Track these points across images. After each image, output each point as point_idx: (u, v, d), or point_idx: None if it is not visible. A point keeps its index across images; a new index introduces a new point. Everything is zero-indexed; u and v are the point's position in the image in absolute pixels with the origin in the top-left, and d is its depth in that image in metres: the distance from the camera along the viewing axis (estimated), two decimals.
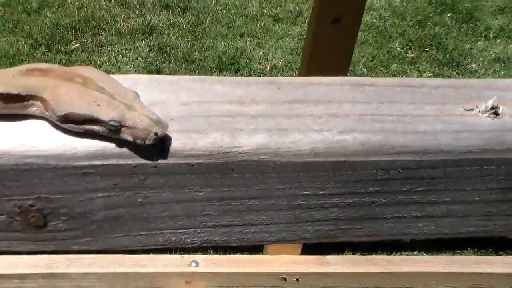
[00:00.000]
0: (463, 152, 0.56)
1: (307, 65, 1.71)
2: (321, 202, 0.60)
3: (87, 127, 0.50)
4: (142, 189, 0.55)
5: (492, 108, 0.59)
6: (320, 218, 0.61)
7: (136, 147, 0.53)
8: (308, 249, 2.13)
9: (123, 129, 0.50)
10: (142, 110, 0.51)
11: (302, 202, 0.59)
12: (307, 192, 0.58)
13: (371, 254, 2.20)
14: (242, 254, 2.16)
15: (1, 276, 1.86)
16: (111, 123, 0.49)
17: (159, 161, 0.53)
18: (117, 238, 0.60)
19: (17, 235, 0.59)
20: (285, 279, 2.07)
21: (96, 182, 0.55)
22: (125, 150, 0.53)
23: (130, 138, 0.50)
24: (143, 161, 0.53)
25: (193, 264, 2.04)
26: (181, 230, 0.60)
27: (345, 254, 2.22)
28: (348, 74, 1.80)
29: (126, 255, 2.03)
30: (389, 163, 0.56)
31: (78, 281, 1.95)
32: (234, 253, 2.19)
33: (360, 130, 0.56)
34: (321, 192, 0.58)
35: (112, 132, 0.50)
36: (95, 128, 0.50)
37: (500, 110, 0.59)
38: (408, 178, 0.58)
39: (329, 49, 1.66)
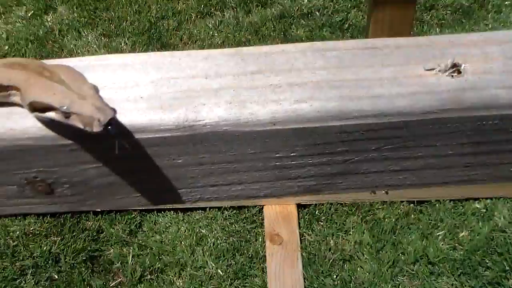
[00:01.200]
0: (421, 113, 0.58)
1: None
2: (295, 162, 0.63)
3: (48, 114, 0.56)
4: (127, 160, 0.61)
5: (453, 66, 0.58)
6: (299, 176, 0.65)
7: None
8: None
9: (73, 116, 0.55)
10: (92, 100, 0.55)
11: (277, 163, 0.63)
12: (278, 155, 0.62)
13: None
14: None
15: None
16: (62, 109, 0.55)
17: (135, 137, 0.59)
18: (118, 199, 0.67)
19: (31, 201, 0.68)
20: (374, 192, 2.09)
21: (84, 156, 0.61)
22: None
23: (80, 125, 0.55)
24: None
25: None
26: (173, 191, 0.66)
27: None
28: None
29: None
30: (348, 126, 0.59)
31: None
32: None
33: (316, 98, 0.58)
34: (291, 154, 0.62)
35: (67, 119, 0.55)
36: (54, 116, 0.56)
37: (462, 68, 0.59)
38: (373, 138, 0.60)
39: None
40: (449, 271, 2.18)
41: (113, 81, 0.62)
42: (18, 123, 0.59)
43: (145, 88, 0.61)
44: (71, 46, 2.22)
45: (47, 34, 2.25)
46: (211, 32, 1.80)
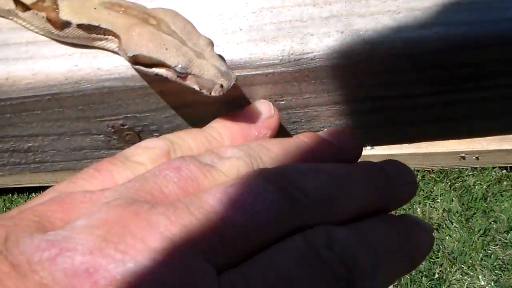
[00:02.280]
0: None
1: None
2: (412, 103, 0.56)
3: (156, 70, 0.50)
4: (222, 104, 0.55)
5: None
6: (415, 119, 0.58)
7: None
8: None
9: (189, 76, 0.49)
10: (212, 60, 0.49)
11: (391, 104, 0.56)
12: (393, 93, 0.55)
13: None
14: None
15: None
16: (177, 69, 0.49)
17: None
18: None
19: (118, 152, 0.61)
20: (463, 157, 2.00)
21: (175, 99, 0.55)
22: None
23: (196, 87, 0.49)
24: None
25: (368, 147, 2.02)
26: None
27: None
28: None
29: None
30: (480, 56, 0.51)
31: None
32: None
33: (441, 23, 0.50)
34: (408, 92, 0.55)
35: (180, 78, 0.50)
36: (164, 72, 0.50)
37: None
38: (507, 70, 0.52)
39: None
40: None
41: (209, 13, 0.55)
42: (104, 62, 0.54)
43: (245, 19, 0.54)
44: None
45: None
46: None
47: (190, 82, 0.50)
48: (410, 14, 0.52)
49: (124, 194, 0.40)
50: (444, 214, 2.00)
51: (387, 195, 0.47)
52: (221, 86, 0.49)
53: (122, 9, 0.53)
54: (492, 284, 1.84)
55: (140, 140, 0.60)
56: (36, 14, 0.54)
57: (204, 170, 0.43)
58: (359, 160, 0.54)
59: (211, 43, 0.51)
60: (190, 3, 0.56)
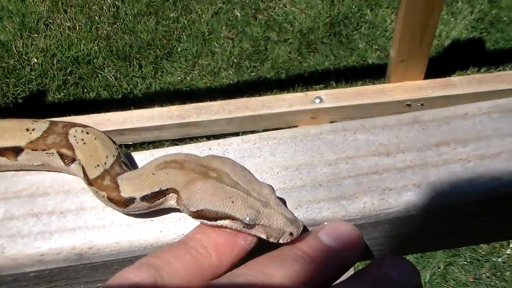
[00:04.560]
0: None
1: None
2: (475, 227, 0.60)
3: (221, 222, 0.51)
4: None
5: None
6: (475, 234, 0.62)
7: None
8: (431, 73, 2.09)
9: (257, 226, 0.50)
10: (278, 208, 0.51)
11: (454, 231, 0.60)
12: (462, 227, 0.58)
13: (498, 68, 2.11)
14: (364, 83, 2.15)
15: (143, 129, 2.00)
16: (245, 221, 0.50)
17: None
18: None
19: None
20: (409, 105, 2.07)
21: None
22: None
23: (263, 236, 0.51)
24: None
25: (317, 101, 2.07)
26: None
27: (469, 73, 2.15)
28: None
29: (253, 98, 2.09)
30: None
31: (210, 127, 2.05)
32: (356, 83, 2.18)
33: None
34: (475, 222, 0.58)
35: (246, 229, 0.51)
36: (229, 224, 0.51)
37: None
38: None
39: None
40: None
41: (284, 166, 0.56)
42: (188, 227, 0.54)
43: (321, 172, 0.56)
44: None
45: None
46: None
47: (257, 232, 0.51)
48: (480, 162, 0.55)
49: None
50: None
51: None
52: (291, 234, 0.50)
53: (179, 164, 0.54)
54: None
55: None
56: (97, 192, 0.54)
57: None
58: None
59: (273, 190, 0.52)
60: (256, 155, 0.57)
